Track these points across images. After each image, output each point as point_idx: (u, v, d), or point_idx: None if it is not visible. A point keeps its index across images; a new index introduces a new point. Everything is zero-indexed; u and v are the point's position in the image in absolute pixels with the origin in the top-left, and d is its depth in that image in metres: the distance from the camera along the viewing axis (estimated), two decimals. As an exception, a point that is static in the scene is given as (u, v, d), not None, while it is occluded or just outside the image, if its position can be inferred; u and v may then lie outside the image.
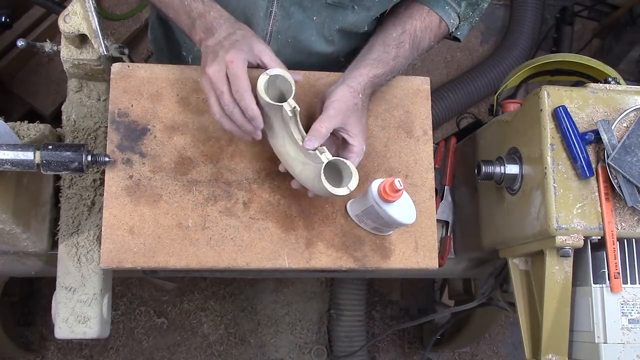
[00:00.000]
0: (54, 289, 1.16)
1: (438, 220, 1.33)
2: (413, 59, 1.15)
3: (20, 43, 1.14)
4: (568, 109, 1.07)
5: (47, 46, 1.18)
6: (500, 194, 1.22)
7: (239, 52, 0.95)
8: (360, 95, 1.05)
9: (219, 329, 2.41)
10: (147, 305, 2.39)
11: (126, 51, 1.19)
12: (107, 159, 1.06)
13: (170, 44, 1.39)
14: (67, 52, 1.14)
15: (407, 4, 1.15)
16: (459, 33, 1.21)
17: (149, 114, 1.13)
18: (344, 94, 1.03)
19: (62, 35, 1.11)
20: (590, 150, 1.08)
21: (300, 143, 0.98)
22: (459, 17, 1.17)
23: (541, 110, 1.09)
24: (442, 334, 2.24)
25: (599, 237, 1.07)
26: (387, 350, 2.52)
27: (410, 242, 1.17)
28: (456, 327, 2.14)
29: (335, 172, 1.01)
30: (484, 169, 1.19)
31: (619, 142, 1.05)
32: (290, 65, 1.03)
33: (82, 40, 1.13)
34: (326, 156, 0.97)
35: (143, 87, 1.14)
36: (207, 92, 0.99)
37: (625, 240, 1.10)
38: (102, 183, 1.14)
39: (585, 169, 1.05)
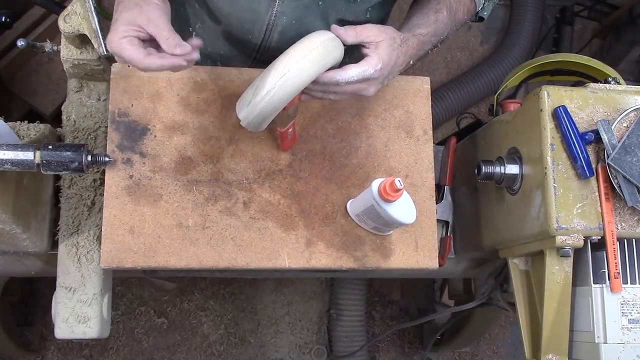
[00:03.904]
0: (54, 289, 1.16)
1: (438, 220, 1.33)
2: (451, 29, 1.16)
3: (20, 43, 1.14)
4: (568, 109, 1.07)
5: (47, 46, 1.18)
6: (500, 194, 1.22)
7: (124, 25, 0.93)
8: (401, 36, 1.05)
9: (219, 329, 2.41)
10: (147, 305, 2.39)
11: (126, 51, 1.19)
12: (107, 159, 1.06)
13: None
14: (67, 52, 1.14)
15: None
16: (485, 13, 1.24)
17: (149, 114, 1.13)
18: (384, 27, 1.04)
19: (62, 35, 1.11)
20: (590, 150, 1.08)
21: None
22: None
23: (541, 110, 1.09)
24: (442, 334, 2.24)
25: (599, 237, 1.07)
26: (387, 350, 2.52)
27: (410, 242, 1.17)
28: (456, 327, 2.14)
29: None
30: (484, 169, 1.19)
31: (619, 142, 1.05)
32: None
33: (82, 40, 1.13)
34: None
35: (143, 87, 1.14)
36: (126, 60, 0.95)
37: (625, 240, 1.10)
38: (102, 183, 1.14)
39: (585, 169, 1.05)
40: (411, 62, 1.09)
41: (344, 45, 1.00)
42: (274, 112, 0.98)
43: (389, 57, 1.01)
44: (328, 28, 1.05)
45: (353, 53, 1.05)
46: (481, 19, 1.26)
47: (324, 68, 0.96)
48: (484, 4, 1.22)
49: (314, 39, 0.96)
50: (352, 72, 0.99)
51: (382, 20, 1.28)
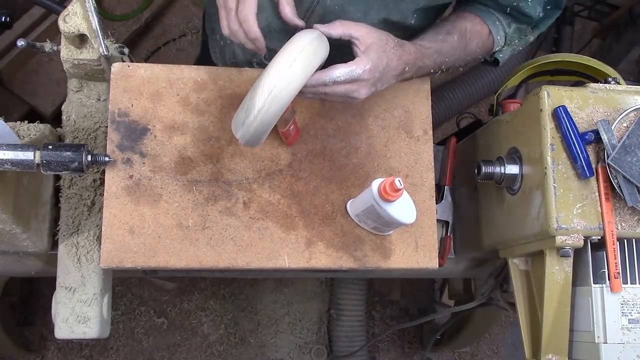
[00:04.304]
0: (54, 289, 1.16)
1: (438, 220, 1.33)
2: (460, 56, 1.15)
3: (20, 43, 1.14)
4: (568, 109, 1.07)
5: (47, 46, 1.18)
6: (500, 194, 1.22)
7: None
8: (395, 40, 1.03)
9: (219, 329, 2.41)
10: (147, 305, 2.39)
11: (126, 51, 1.19)
12: (107, 159, 1.06)
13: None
14: (67, 52, 1.14)
15: (459, 12, 1.18)
16: (500, 55, 1.23)
17: (149, 114, 1.13)
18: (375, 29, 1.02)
19: (62, 35, 1.11)
20: (590, 150, 1.08)
21: None
22: (505, 38, 1.20)
23: (541, 110, 1.09)
24: (442, 334, 2.24)
25: (599, 237, 1.07)
26: (387, 350, 2.52)
27: (410, 242, 1.17)
28: (456, 327, 2.14)
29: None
30: (484, 169, 1.19)
31: (619, 142, 1.05)
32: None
33: (82, 40, 1.13)
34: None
35: (143, 87, 1.14)
36: (219, 7, 1.00)
37: (625, 240, 1.10)
38: (102, 183, 1.14)
39: (585, 169, 1.05)
40: (407, 69, 1.07)
41: (330, 39, 0.99)
42: (269, 127, 0.97)
43: (378, 59, 1.00)
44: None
45: (344, 54, 1.04)
46: (496, 62, 1.24)
47: (312, 72, 0.95)
48: (503, 47, 1.21)
49: (296, 44, 0.95)
50: (339, 71, 0.98)
51: (426, 28, 1.27)
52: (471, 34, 1.14)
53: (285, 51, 0.94)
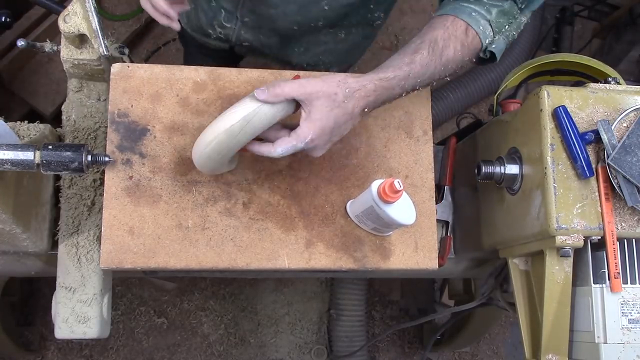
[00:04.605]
0: (54, 289, 1.16)
1: (438, 220, 1.33)
2: (437, 69, 1.04)
3: (20, 43, 1.14)
4: (568, 109, 1.07)
5: (47, 46, 1.18)
6: (500, 194, 1.22)
7: None
8: (346, 90, 0.96)
9: (219, 329, 2.41)
10: (147, 305, 2.39)
11: (126, 51, 1.19)
12: (107, 159, 1.06)
13: None
14: (67, 52, 1.14)
15: (431, 22, 1.09)
16: (493, 46, 1.09)
17: (149, 114, 1.13)
18: (328, 78, 0.97)
19: (62, 35, 1.11)
20: (590, 150, 1.08)
21: None
22: (491, 25, 1.07)
23: (541, 110, 1.09)
24: (442, 334, 2.24)
25: (599, 237, 1.07)
26: (387, 350, 2.52)
27: (410, 243, 1.17)
28: (456, 327, 2.15)
29: None
30: (484, 169, 1.19)
31: (619, 142, 1.05)
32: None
33: (82, 40, 1.13)
34: None
35: (143, 87, 1.14)
36: None
37: (625, 240, 1.10)
38: (102, 183, 1.14)
39: (585, 169, 1.05)
40: (366, 110, 1.00)
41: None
42: (219, 161, 1.02)
43: (323, 122, 0.95)
44: None
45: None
46: (493, 56, 1.11)
47: (248, 138, 0.97)
48: (494, 37, 1.08)
49: (233, 114, 0.95)
50: (282, 149, 0.97)
51: None
52: (444, 41, 1.03)
53: (222, 117, 0.97)
